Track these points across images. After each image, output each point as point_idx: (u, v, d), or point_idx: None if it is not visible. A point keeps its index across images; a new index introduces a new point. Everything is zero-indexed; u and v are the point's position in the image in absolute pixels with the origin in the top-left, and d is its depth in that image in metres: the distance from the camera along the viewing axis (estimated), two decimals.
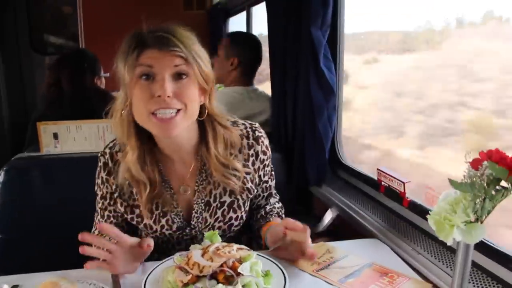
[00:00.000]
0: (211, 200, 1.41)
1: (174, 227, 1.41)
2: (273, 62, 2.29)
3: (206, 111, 1.34)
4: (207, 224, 1.42)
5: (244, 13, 3.87)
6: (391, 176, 1.61)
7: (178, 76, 1.22)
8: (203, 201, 1.41)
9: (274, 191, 1.61)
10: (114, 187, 1.41)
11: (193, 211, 1.42)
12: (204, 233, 1.41)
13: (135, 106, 1.26)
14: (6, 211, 1.91)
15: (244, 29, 3.82)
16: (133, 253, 1.25)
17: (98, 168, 1.45)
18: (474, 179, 0.90)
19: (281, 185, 2.09)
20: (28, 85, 4.11)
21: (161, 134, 1.28)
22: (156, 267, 1.24)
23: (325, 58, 1.97)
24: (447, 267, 1.31)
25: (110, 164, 1.41)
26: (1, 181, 1.90)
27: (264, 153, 1.47)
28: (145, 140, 1.35)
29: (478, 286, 1.19)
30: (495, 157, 0.88)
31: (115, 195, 1.42)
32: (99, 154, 1.45)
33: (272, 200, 1.60)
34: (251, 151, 1.44)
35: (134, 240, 1.25)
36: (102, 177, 1.43)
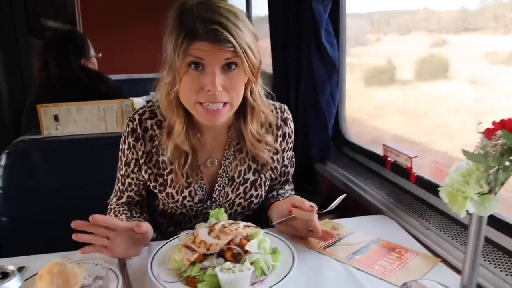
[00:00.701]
0: (235, 175, 1.42)
1: (196, 199, 1.41)
2: (274, 38, 2.26)
3: (247, 96, 1.33)
4: (228, 199, 1.42)
5: None
6: (398, 151, 1.59)
7: (228, 66, 1.20)
8: (227, 175, 1.42)
9: (291, 179, 1.61)
10: (140, 153, 1.39)
11: (216, 184, 1.42)
12: (227, 208, 1.43)
13: (182, 92, 1.24)
14: (8, 194, 1.90)
15: (243, 8, 3.76)
16: (133, 238, 1.23)
17: (125, 134, 1.41)
18: (488, 149, 0.87)
19: None
20: (26, 69, 4.09)
21: (206, 122, 1.28)
22: (162, 247, 1.23)
23: (327, 33, 1.93)
24: (457, 241, 1.30)
25: (139, 130, 1.39)
26: (3, 164, 1.88)
27: (289, 135, 1.48)
28: (188, 113, 1.34)
29: (490, 260, 1.18)
30: (508, 126, 0.85)
31: (141, 161, 1.40)
32: (127, 120, 1.42)
33: (287, 187, 1.60)
34: (280, 132, 1.45)
35: (130, 225, 1.22)
36: (129, 143, 1.40)
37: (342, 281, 1.16)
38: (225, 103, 1.23)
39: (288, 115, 1.49)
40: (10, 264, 1.01)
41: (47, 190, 1.92)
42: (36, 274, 1.12)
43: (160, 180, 1.41)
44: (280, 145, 1.46)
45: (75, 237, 1.16)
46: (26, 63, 4.10)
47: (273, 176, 1.48)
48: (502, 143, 0.86)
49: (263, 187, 1.46)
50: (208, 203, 1.43)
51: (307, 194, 1.96)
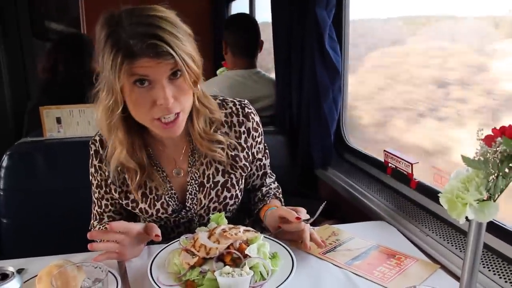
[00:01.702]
0: (205, 181, 1.40)
1: (170, 210, 1.40)
2: (277, 44, 2.26)
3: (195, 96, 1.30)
4: (202, 205, 1.41)
5: None
6: (398, 157, 1.59)
7: (173, 75, 1.16)
8: (196, 182, 1.40)
9: (269, 171, 1.59)
10: (107, 173, 1.39)
11: (187, 193, 1.41)
12: (203, 215, 1.43)
13: (135, 111, 1.21)
14: (10, 196, 1.90)
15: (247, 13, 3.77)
16: (138, 238, 1.26)
17: (90, 157, 1.42)
18: (487, 156, 0.87)
19: (286, 168, 2.09)
20: (30, 71, 4.10)
21: (167, 135, 1.27)
22: (161, 250, 1.23)
23: (330, 39, 1.93)
24: (456, 248, 1.29)
25: (101, 151, 1.39)
26: (5, 165, 1.89)
27: (255, 129, 1.45)
28: (134, 129, 1.30)
29: (489, 267, 1.17)
30: (509, 133, 0.85)
31: (109, 181, 1.40)
32: (90, 142, 1.42)
33: (268, 180, 1.58)
34: (242, 128, 1.42)
35: (140, 226, 1.25)
36: (95, 165, 1.41)
37: (341, 287, 1.16)
38: (177, 113, 1.20)
39: (250, 109, 1.45)
40: (9, 265, 1.01)
41: (48, 192, 1.93)
42: (35, 276, 1.12)
43: (131, 196, 1.40)
44: (246, 141, 1.43)
45: (91, 247, 1.18)
46: (30, 65, 4.12)
47: (243, 174, 1.45)
48: (502, 150, 0.86)
49: (236, 187, 1.44)
50: (183, 213, 1.42)
51: (307, 200, 1.97)
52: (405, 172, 1.57)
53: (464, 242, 1.30)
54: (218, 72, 2.92)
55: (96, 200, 1.47)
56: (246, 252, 1.11)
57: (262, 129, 1.48)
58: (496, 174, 0.87)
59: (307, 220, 1.28)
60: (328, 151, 2.12)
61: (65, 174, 1.96)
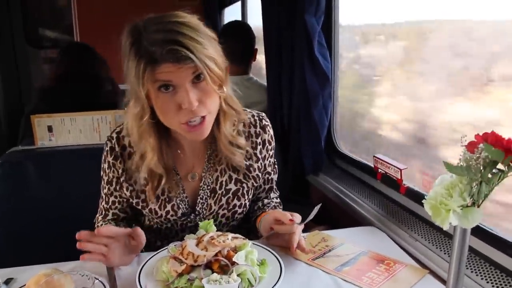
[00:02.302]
0: (217, 187, 1.42)
1: (179, 213, 1.41)
2: (268, 50, 2.28)
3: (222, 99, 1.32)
4: (211, 211, 1.42)
5: (239, 3, 3.83)
6: (388, 163, 1.60)
7: (197, 78, 1.18)
8: (209, 187, 1.42)
9: (275, 186, 1.60)
10: (120, 171, 1.40)
11: (198, 197, 1.42)
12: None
13: (162, 117, 1.23)
14: (0, 204, 1.90)
15: (239, 18, 3.78)
16: (128, 246, 1.26)
17: (105, 153, 1.42)
18: (470, 162, 0.88)
19: (278, 174, 2.08)
20: (23, 78, 4.10)
21: (194, 138, 1.28)
22: (150, 258, 1.23)
23: (320, 45, 1.95)
24: (445, 253, 1.30)
25: (117, 149, 1.39)
26: None
27: (270, 142, 1.48)
28: (162, 132, 1.33)
29: (475, 271, 1.18)
30: (491, 139, 0.86)
31: (121, 179, 1.41)
32: (106, 139, 1.43)
33: (272, 195, 1.60)
34: (259, 139, 1.45)
35: (126, 230, 1.25)
36: (108, 162, 1.41)
37: None
38: (203, 116, 1.22)
39: (267, 122, 1.48)
40: None
41: (40, 200, 1.92)
42: (24, 285, 1.12)
43: (142, 196, 1.41)
44: (260, 152, 1.45)
45: (79, 245, 1.18)
46: (23, 72, 4.11)
47: (255, 184, 1.47)
48: (484, 156, 0.87)
49: (246, 197, 1.45)
50: (192, 216, 1.43)
51: (299, 206, 1.97)
52: (394, 178, 1.58)
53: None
54: None
55: (104, 196, 1.47)
56: (234, 259, 1.11)
57: (274, 144, 1.51)
58: (479, 180, 0.88)
59: (300, 223, 1.29)
60: (319, 157, 2.13)
61: (57, 182, 1.96)
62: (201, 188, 1.42)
